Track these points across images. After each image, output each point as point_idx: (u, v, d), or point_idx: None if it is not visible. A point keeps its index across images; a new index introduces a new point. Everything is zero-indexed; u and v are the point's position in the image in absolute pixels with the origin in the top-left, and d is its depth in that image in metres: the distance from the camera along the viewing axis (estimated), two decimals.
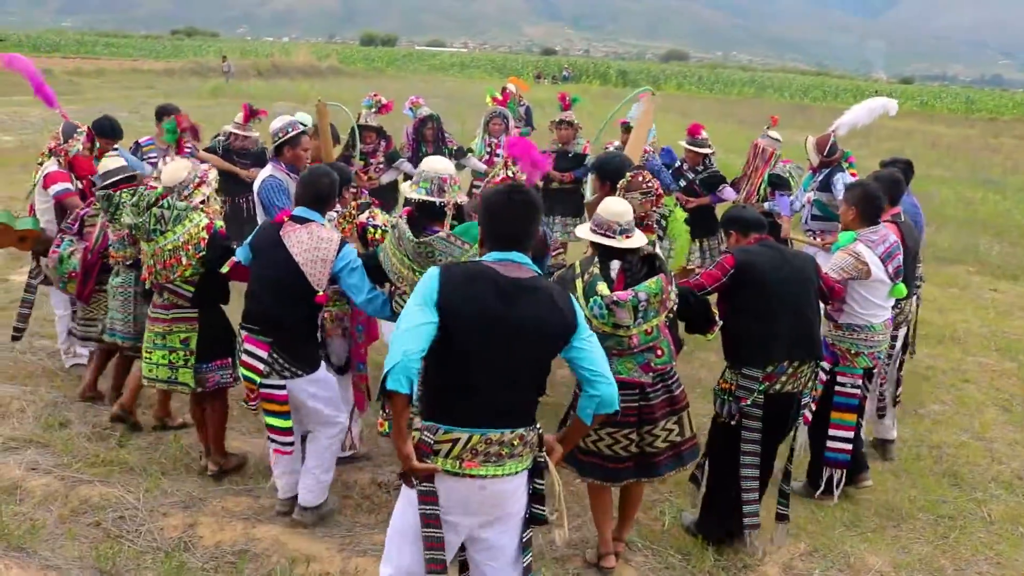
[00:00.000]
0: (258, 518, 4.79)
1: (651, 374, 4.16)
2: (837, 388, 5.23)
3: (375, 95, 8.48)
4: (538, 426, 3.23)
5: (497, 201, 3.18)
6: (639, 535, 4.87)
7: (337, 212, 5.11)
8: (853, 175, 7.27)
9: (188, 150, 6.46)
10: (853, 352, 5.19)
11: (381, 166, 8.31)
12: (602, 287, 4.03)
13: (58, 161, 6.28)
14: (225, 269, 4.78)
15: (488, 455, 3.06)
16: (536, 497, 3.27)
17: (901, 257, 5.14)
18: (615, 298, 3.95)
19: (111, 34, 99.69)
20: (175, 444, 5.52)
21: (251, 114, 8.13)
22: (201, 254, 4.80)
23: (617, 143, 9.01)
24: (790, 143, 8.43)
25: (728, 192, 8.01)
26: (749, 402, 4.46)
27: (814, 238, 7.22)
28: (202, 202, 4.97)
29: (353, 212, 5.27)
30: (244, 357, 4.53)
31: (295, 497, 4.78)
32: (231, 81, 38.60)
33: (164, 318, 4.94)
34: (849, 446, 5.23)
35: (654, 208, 4.88)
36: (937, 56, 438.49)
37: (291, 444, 4.68)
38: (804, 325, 4.51)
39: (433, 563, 3.06)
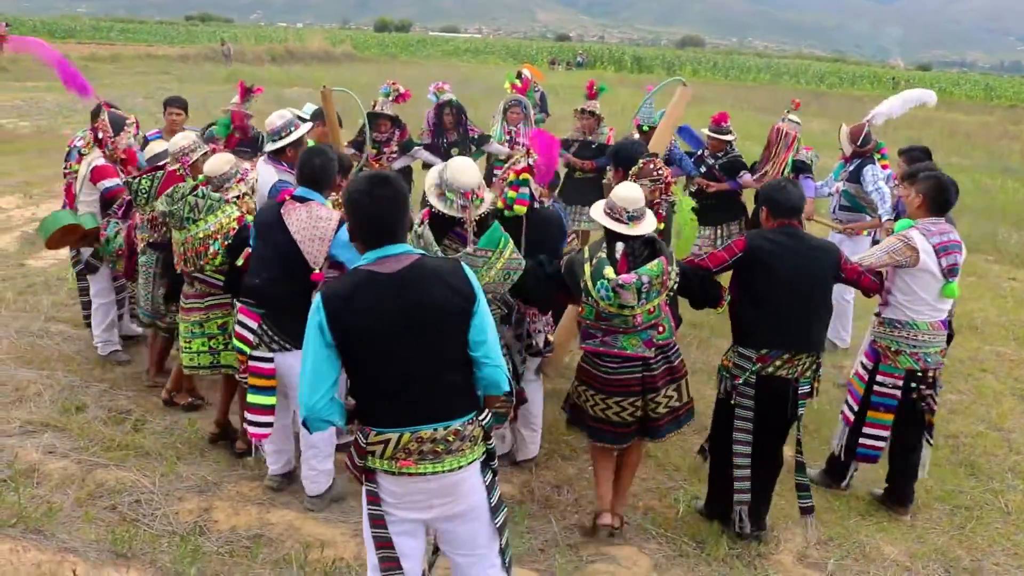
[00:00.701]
0: (272, 503, 4.81)
1: (653, 349, 4.36)
2: (876, 387, 5.03)
3: (393, 83, 8.30)
4: (481, 417, 3.15)
5: (359, 198, 3.02)
6: (653, 523, 4.87)
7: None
8: (884, 167, 7.19)
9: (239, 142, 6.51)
10: (894, 350, 4.95)
11: (394, 155, 8.15)
12: (608, 271, 4.15)
13: (105, 153, 6.22)
14: (240, 262, 4.83)
15: (423, 453, 3.02)
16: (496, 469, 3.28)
17: (960, 256, 4.84)
18: (620, 281, 4.10)
19: (126, 20, 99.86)
20: (191, 428, 5.55)
21: (247, 92, 7.72)
22: (227, 243, 4.95)
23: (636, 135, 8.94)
24: (805, 130, 8.34)
25: (747, 178, 7.96)
26: (741, 381, 4.54)
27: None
28: (237, 197, 5.11)
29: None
30: (237, 328, 4.67)
31: (286, 474, 4.93)
32: (232, 65, 38.62)
33: (199, 307, 5.14)
34: (882, 444, 5.08)
35: (663, 196, 4.92)
36: (955, 42, 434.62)
37: (268, 426, 4.67)
38: (808, 317, 4.52)
39: (387, 561, 3.07)
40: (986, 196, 16.88)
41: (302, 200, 4.55)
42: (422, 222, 4.37)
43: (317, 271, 4.48)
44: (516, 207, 4.73)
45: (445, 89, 8.56)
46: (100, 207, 6.26)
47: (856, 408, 5.12)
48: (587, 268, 4.23)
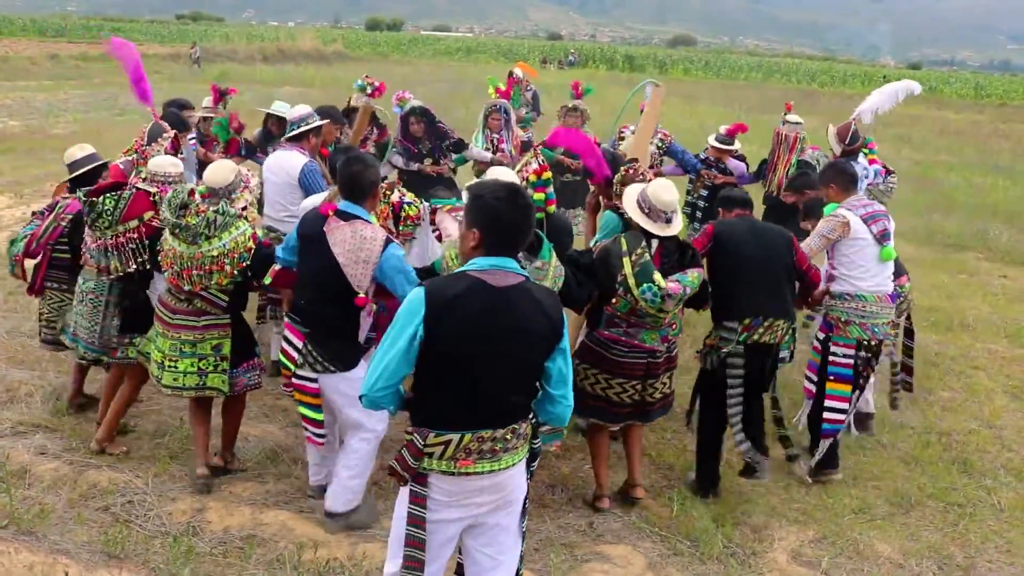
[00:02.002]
0: (265, 503, 4.79)
1: (666, 344, 4.72)
2: (830, 358, 5.38)
3: (367, 77, 8.15)
4: (531, 416, 3.21)
5: (499, 205, 3.03)
6: (647, 522, 4.87)
7: None
8: (871, 161, 7.22)
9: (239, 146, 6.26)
10: (844, 321, 5.32)
11: (372, 155, 7.97)
12: (659, 277, 4.40)
13: (134, 160, 5.78)
14: (268, 280, 4.70)
15: (482, 452, 3.05)
16: (532, 472, 3.33)
17: (887, 223, 5.35)
18: (671, 292, 4.39)
19: (117, 19, 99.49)
20: (182, 430, 5.52)
21: (220, 95, 7.80)
22: (245, 264, 4.62)
23: (633, 127, 8.91)
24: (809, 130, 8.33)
25: (732, 163, 7.94)
26: (729, 350, 4.94)
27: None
28: (243, 208, 4.77)
29: (386, 192, 5.19)
30: (283, 344, 4.47)
31: (326, 486, 4.67)
32: (203, 67, 36.90)
33: (194, 326, 4.73)
34: (843, 416, 5.38)
35: None
36: (945, 41, 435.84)
37: (323, 436, 4.53)
38: (774, 288, 5.02)
39: (411, 560, 3.08)
40: (977, 194, 16.94)
41: (346, 217, 4.27)
42: None
43: (361, 295, 4.25)
44: (549, 208, 4.73)
45: (407, 98, 8.20)
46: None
47: (815, 379, 5.47)
48: (628, 264, 4.44)
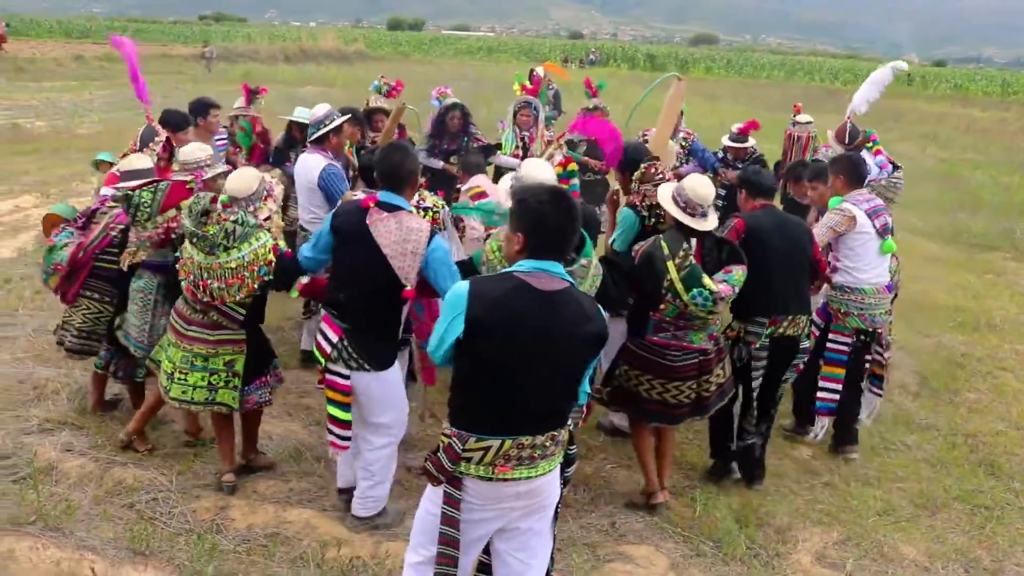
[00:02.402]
0: (289, 501, 4.81)
1: (713, 341, 4.73)
2: (828, 344, 5.65)
3: (382, 78, 8.26)
4: (569, 422, 3.20)
5: (543, 209, 2.99)
6: (670, 522, 4.85)
7: None
8: (876, 152, 7.16)
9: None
10: (843, 312, 5.57)
11: None
12: (708, 281, 4.39)
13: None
14: (295, 295, 4.62)
15: (521, 459, 3.03)
16: (566, 482, 3.30)
17: (888, 217, 5.56)
18: (722, 295, 4.41)
19: (140, 20, 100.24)
20: (207, 430, 5.55)
21: (251, 94, 7.72)
22: (266, 278, 4.46)
23: (653, 131, 8.86)
24: (820, 127, 8.30)
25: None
26: (758, 345, 5.03)
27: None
28: (266, 219, 4.61)
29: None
30: (317, 337, 4.39)
31: (351, 488, 4.66)
32: (213, 70, 36.25)
33: (207, 339, 4.58)
34: (836, 396, 5.66)
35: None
36: (970, 38, 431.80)
37: (348, 439, 4.40)
38: (797, 283, 5.10)
39: (444, 558, 3.08)
40: (1003, 193, 16.76)
41: (389, 208, 4.17)
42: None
43: (409, 288, 4.14)
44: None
45: (448, 94, 8.44)
46: None
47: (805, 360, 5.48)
48: (673, 269, 4.39)
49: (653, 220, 5.03)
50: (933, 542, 4.89)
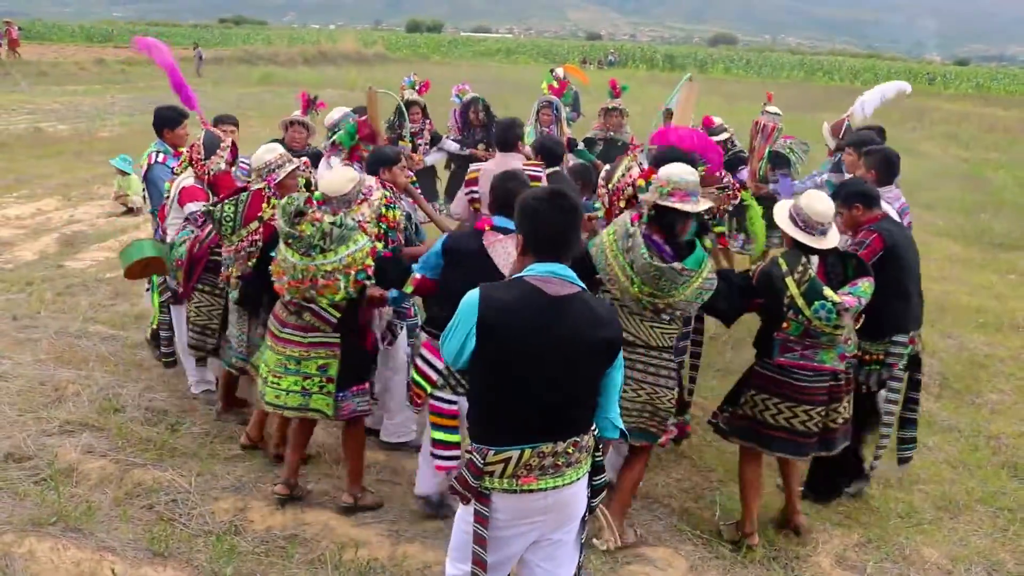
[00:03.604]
0: (307, 503, 4.82)
1: (844, 362, 4.41)
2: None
3: (414, 75, 8.71)
4: (593, 428, 3.13)
5: (538, 206, 2.99)
6: (688, 524, 4.83)
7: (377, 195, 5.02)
8: None
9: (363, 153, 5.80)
10: None
11: (427, 146, 8.37)
12: (830, 292, 4.16)
13: (196, 175, 5.73)
14: (409, 289, 4.48)
15: (544, 468, 2.97)
16: (596, 492, 3.21)
17: (910, 217, 5.47)
18: (846, 305, 4.14)
19: (161, 23, 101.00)
20: (227, 430, 5.58)
21: (309, 103, 7.79)
22: (365, 282, 4.39)
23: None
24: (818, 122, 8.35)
25: (745, 174, 7.96)
26: (901, 367, 4.81)
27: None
28: (363, 221, 4.54)
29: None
30: (418, 362, 4.33)
31: (430, 496, 4.71)
32: (203, 72, 35.07)
33: (300, 341, 4.48)
34: None
35: (732, 202, 4.98)
36: (994, 36, 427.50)
37: (456, 459, 4.27)
38: (920, 295, 4.99)
39: None
40: None
41: (504, 231, 4.18)
42: (634, 223, 4.22)
43: None
44: None
45: (467, 90, 8.87)
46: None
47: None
48: (793, 285, 4.20)
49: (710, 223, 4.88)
50: (955, 545, 4.83)
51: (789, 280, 4.21)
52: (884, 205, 5.16)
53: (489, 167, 6.06)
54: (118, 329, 7.22)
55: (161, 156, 6.16)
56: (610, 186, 4.90)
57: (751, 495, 4.66)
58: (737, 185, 5.11)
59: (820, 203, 4.32)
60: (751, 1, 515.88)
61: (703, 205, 4.27)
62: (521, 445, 2.95)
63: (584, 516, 3.19)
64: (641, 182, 4.63)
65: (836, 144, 7.25)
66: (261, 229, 4.85)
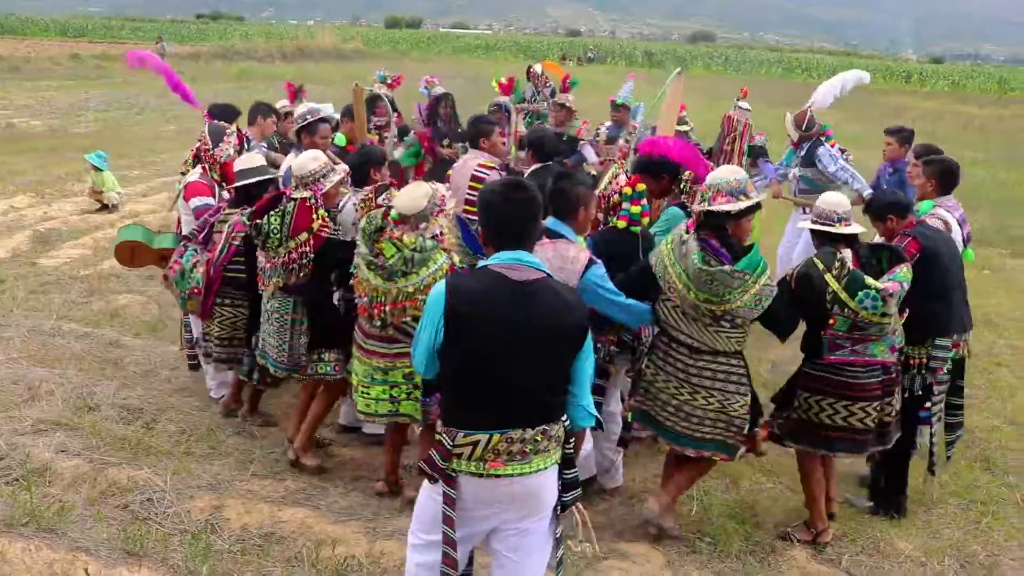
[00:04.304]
0: (284, 501, 4.80)
1: (895, 353, 4.49)
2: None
3: (385, 69, 8.87)
4: (564, 419, 3.15)
5: (496, 200, 3.11)
6: None
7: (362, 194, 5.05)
8: (833, 146, 7.49)
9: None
10: None
11: (395, 139, 8.41)
12: (872, 280, 4.23)
13: (205, 168, 5.84)
14: None
15: (511, 454, 3.01)
16: (567, 486, 3.21)
17: (969, 228, 5.53)
18: (890, 291, 4.20)
19: (137, 18, 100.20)
20: (202, 429, 5.54)
21: (296, 93, 7.95)
22: None
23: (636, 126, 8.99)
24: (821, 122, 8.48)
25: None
26: (945, 371, 4.82)
27: (803, 211, 7.37)
28: (439, 235, 4.50)
29: (371, 196, 5.01)
30: None
31: None
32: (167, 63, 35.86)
33: (385, 353, 4.55)
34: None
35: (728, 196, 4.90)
36: (969, 35, 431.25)
37: None
38: (965, 299, 5.07)
39: (448, 558, 3.08)
40: (1001, 189, 16.76)
41: (552, 235, 4.19)
42: (688, 230, 4.29)
43: None
44: (644, 220, 4.68)
45: (435, 83, 8.93)
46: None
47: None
48: (832, 280, 4.26)
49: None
50: (929, 537, 4.88)
51: (828, 277, 4.29)
52: (943, 213, 5.25)
53: (458, 165, 6.13)
54: (92, 327, 7.16)
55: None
56: (596, 193, 4.92)
57: (818, 494, 4.70)
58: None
59: (832, 196, 4.59)
60: None
61: (749, 201, 4.32)
62: (490, 430, 2.99)
63: (556, 510, 3.20)
64: (628, 190, 4.67)
65: (799, 136, 7.49)
66: (311, 240, 4.83)
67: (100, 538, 4.31)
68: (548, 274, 3.10)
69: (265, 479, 5.03)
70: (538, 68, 10.85)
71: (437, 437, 3.09)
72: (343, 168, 5.18)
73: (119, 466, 5.00)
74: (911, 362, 4.84)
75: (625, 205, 4.68)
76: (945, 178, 5.39)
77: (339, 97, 7.41)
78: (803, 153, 7.52)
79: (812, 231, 4.61)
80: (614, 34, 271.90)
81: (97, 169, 11.22)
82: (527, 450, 3.02)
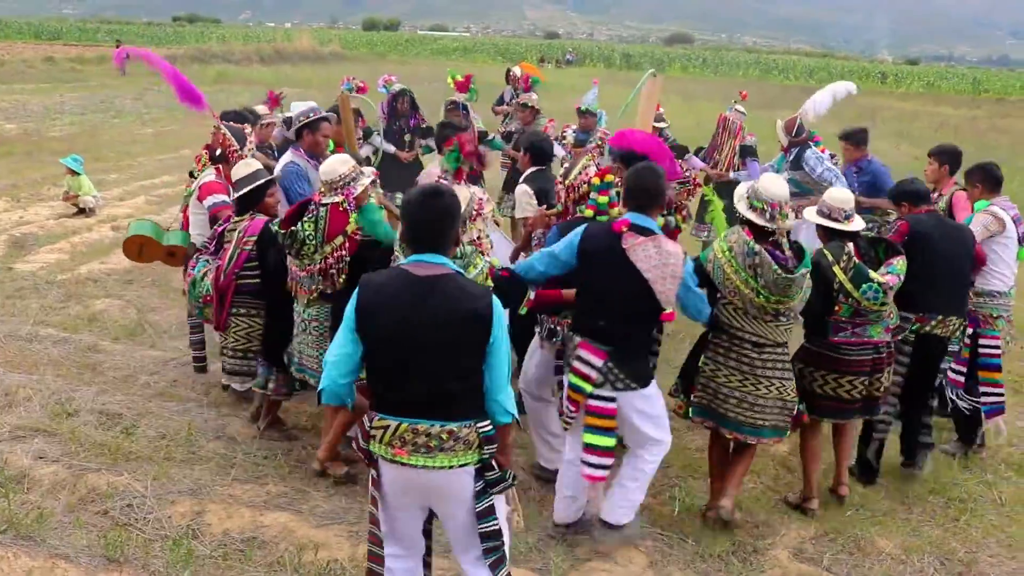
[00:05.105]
0: (266, 505, 4.77)
1: (888, 333, 4.96)
2: (981, 351, 5.75)
3: (351, 78, 8.95)
4: (480, 425, 3.22)
5: (412, 205, 3.28)
6: (649, 520, 4.86)
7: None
8: (822, 151, 7.74)
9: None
10: (995, 316, 5.75)
11: (360, 141, 8.47)
12: (875, 275, 4.68)
13: (219, 169, 5.85)
14: (524, 311, 4.65)
15: (416, 445, 3.17)
16: (492, 481, 3.31)
17: (1023, 225, 5.82)
18: (890, 284, 4.68)
19: (113, 21, 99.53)
20: (182, 433, 5.50)
21: (276, 101, 8.04)
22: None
23: (608, 133, 9.09)
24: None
25: (695, 161, 8.31)
26: (900, 338, 5.22)
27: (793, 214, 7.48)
28: (476, 239, 4.50)
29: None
30: (576, 364, 4.31)
31: (573, 524, 4.62)
32: (128, 70, 32.04)
33: None
34: (1001, 398, 5.74)
35: (690, 196, 5.03)
36: (944, 36, 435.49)
37: (607, 468, 4.34)
38: (956, 287, 5.36)
39: (372, 536, 3.43)
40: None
41: (643, 232, 4.18)
42: (751, 240, 4.36)
43: (668, 311, 4.31)
44: (612, 211, 4.71)
45: (393, 80, 9.20)
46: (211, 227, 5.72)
47: (964, 370, 5.78)
48: (840, 272, 4.69)
49: (668, 216, 5.04)
50: (909, 535, 4.92)
51: (836, 268, 4.71)
52: (997, 211, 5.68)
53: (424, 173, 6.13)
54: (70, 332, 7.10)
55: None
56: (566, 183, 4.98)
57: (811, 463, 5.09)
58: (697, 180, 5.21)
59: (840, 194, 4.93)
60: (707, 1, 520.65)
61: (858, 224, 4.84)
62: (400, 417, 3.19)
63: (476, 510, 3.28)
64: (596, 180, 4.72)
65: (789, 141, 7.75)
66: (346, 244, 4.80)
67: (80, 545, 4.28)
68: (458, 271, 3.26)
69: (247, 483, 5.00)
70: (517, 71, 10.95)
71: (363, 418, 3.31)
72: (371, 171, 5.17)
73: (98, 472, 4.96)
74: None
75: (593, 195, 4.78)
76: (990, 180, 5.84)
77: (317, 99, 7.36)
78: (791, 158, 7.79)
79: (819, 226, 4.94)
80: (592, 36, 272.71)
81: (73, 173, 11.11)
82: (431, 445, 3.17)
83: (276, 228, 4.87)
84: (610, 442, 4.33)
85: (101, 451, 5.21)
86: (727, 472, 4.81)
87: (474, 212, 4.53)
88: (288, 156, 5.91)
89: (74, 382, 6.13)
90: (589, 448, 4.32)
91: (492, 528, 3.32)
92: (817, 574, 4.52)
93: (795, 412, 4.70)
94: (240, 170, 5.29)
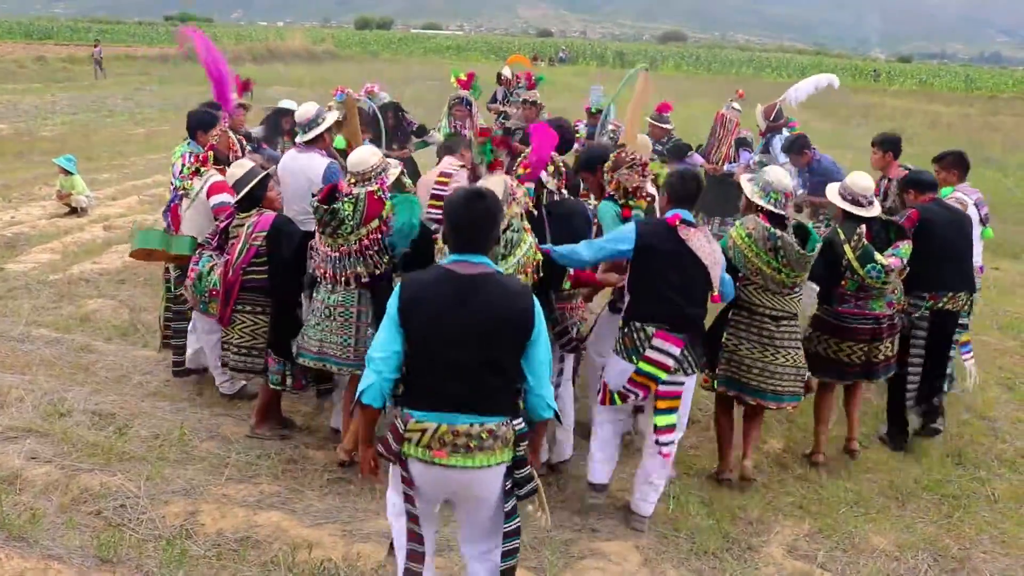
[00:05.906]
0: (259, 505, 4.76)
1: (891, 308, 5.48)
2: None
3: (343, 89, 8.69)
4: (516, 422, 3.31)
5: (456, 206, 3.32)
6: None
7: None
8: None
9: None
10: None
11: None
12: (880, 256, 5.20)
13: (223, 171, 5.87)
14: (567, 285, 4.87)
15: (456, 446, 3.20)
16: (520, 481, 3.38)
17: (987, 209, 6.43)
18: (893, 267, 5.20)
19: (104, 20, 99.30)
20: (175, 433, 5.49)
21: (245, 87, 8.08)
22: (538, 276, 4.48)
23: (619, 125, 9.12)
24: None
25: (696, 158, 8.56)
26: (917, 315, 5.74)
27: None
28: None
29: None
30: (650, 353, 4.52)
31: (606, 485, 4.94)
32: (106, 72, 33.16)
33: None
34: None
35: (643, 176, 5.13)
36: (936, 34, 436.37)
37: (675, 443, 4.72)
38: (961, 266, 5.86)
39: (412, 534, 3.35)
40: None
41: (692, 224, 4.60)
42: (769, 225, 4.85)
43: (715, 293, 4.62)
44: (640, 203, 5.09)
45: (376, 91, 9.00)
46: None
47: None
48: (849, 250, 5.24)
49: (630, 203, 5.13)
50: (902, 532, 4.93)
51: (847, 247, 5.25)
52: (960, 196, 6.18)
53: (425, 178, 6.24)
54: (62, 332, 7.07)
55: (192, 156, 6.26)
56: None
57: (822, 420, 5.69)
58: (644, 160, 5.23)
59: (863, 179, 5.40)
60: (700, 0, 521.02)
61: (877, 210, 5.39)
62: (438, 419, 3.21)
63: (504, 508, 3.36)
64: (521, 170, 4.88)
65: (767, 125, 8.18)
66: (382, 227, 4.89)
67: (73, 545, 4.26)
68: (498, 271, 3.31)
69: (240, 483, 4.99)
70: (507, 72, 10.99)
71: (395, 420, 3.29)
72: (396, 162, 5.22)
73: (91, 472, 4.94)
74: (897, 307, 5.60)
75: (513, 184, 4.83)
76: (962, 167, 6.42)
77: (310, 99, 7.35)
78: (764, 142, 8.02)
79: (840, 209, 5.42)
80: (585, 34, 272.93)
81: (66, 172, 11.08)
82: (471, 445, 3.20)
83: (315, 205, 4.86)
84: (674, 419, 4.67)
85: (94, 451, 5.18)
86: (744, 437, 5.35)
87: (510, 198, 4.57)
88: (319, 158, 5.98)
89: (67, 382, 6.11)
90: (661, 430, 4.64)
91: (515, 527, 3.38)
92: (811, 571, 4.52)
93: (805, 378, 5.16)
94: (235, 172, 5.34)
